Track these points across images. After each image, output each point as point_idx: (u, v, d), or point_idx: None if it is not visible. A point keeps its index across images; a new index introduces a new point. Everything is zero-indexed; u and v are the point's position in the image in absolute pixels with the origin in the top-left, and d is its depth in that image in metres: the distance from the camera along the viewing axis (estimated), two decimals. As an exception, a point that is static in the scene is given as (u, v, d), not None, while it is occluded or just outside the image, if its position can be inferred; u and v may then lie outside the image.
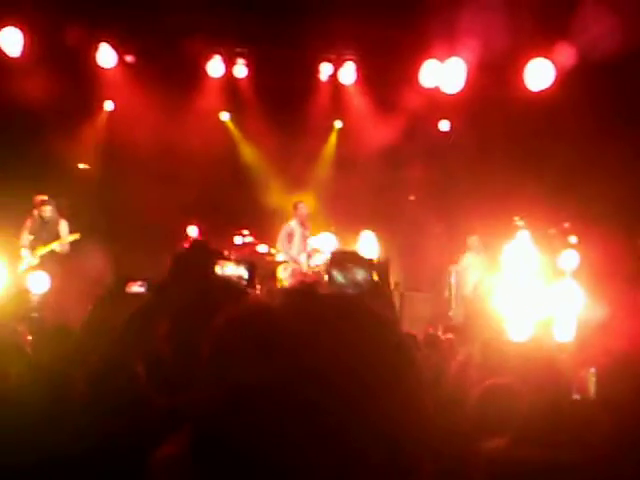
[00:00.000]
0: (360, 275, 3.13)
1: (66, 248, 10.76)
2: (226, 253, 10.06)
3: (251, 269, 9.91)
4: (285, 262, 11.02)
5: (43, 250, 10.62)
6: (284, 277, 11.00)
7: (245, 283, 9.35)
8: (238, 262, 10.16)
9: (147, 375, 2.89)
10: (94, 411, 2.95)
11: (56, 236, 10.71)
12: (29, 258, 10.56)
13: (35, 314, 8.90)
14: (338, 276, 3.09)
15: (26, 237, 10.65)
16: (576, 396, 4.23)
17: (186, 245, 10.64)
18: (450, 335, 8.00)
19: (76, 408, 3.16)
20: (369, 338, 1.10)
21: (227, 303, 2.29)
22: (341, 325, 1.10)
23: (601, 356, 5.10)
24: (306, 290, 1.20)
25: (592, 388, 3.92)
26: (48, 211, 10.69)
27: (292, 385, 1.04)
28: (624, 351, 5.05)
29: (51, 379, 3.68)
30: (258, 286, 9.51)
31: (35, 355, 4.67)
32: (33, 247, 10.62)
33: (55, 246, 10.66)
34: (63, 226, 10.80)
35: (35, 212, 10.72)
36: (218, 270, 10.05)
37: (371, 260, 3.03)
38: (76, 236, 10.77)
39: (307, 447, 1.02)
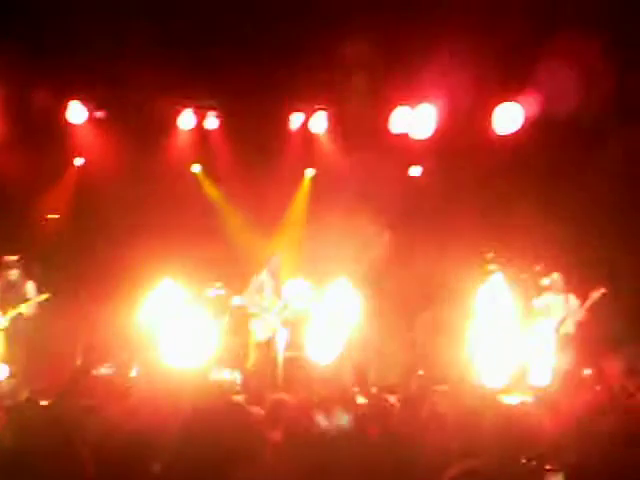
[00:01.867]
0: (343, 420, 3.31)
1: (33, 310, 10.59)
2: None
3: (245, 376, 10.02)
4: (256, 314, 10.94)
5: (11, 313, 10.47)
6: (256, 330, 10.95)
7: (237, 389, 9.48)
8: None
9: None
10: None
11: (23, 298, 10.56)
12: (-2, 321, 10.43)
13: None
14: (322, 420, 3.27)
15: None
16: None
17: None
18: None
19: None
20: None
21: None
22: None
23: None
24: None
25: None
26: (14, 274, 10.55)
27: None
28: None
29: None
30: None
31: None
32: (1, 310, 10.47)
33: (23, 308, 10.51)
34: (30, 287, 10.65)
35: (2, 274, 10.57)
36: (214, 373, 10.22)
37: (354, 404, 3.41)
38: (45, 296, 10.62)
39: None
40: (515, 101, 11.63)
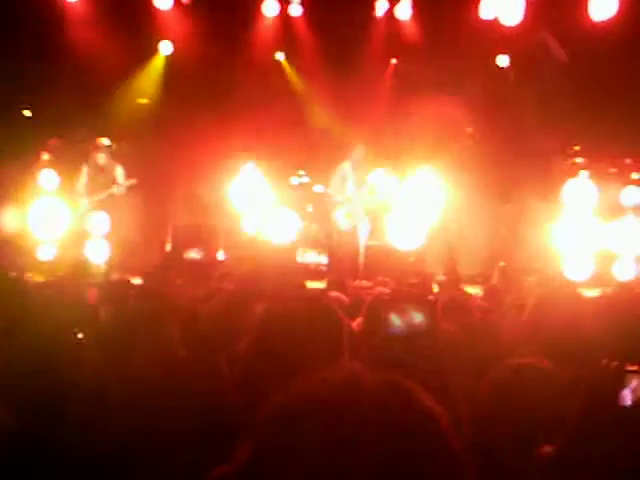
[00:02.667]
0: (418, 318, 3.21)
1: (122, 191, 10.81)
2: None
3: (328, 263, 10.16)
4: (340, 203, 10.99)
5: (100, 195, 10.73)
6: (339, 218, 11.03)
7: (324, 269, 9.70)
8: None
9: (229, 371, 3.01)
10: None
11: (112, 182, 10.76)
12: (87, 203, 10.72)
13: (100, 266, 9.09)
14: (396, 320, 3.19)
15: (83, 183, 10.75)
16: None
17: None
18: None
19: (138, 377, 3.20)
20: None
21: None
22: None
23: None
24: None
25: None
26: (103, 157, 10.72)
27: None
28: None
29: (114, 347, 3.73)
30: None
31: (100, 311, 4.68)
32: (90, 193, 10.73)
33: (112, 190, 10.74)
34: (119, 172, 10.84)
35: (92, 158, 10.77)
36: (299, 257, 10.41)
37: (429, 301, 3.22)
38: (132, 182, 10.83)
39: None
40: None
